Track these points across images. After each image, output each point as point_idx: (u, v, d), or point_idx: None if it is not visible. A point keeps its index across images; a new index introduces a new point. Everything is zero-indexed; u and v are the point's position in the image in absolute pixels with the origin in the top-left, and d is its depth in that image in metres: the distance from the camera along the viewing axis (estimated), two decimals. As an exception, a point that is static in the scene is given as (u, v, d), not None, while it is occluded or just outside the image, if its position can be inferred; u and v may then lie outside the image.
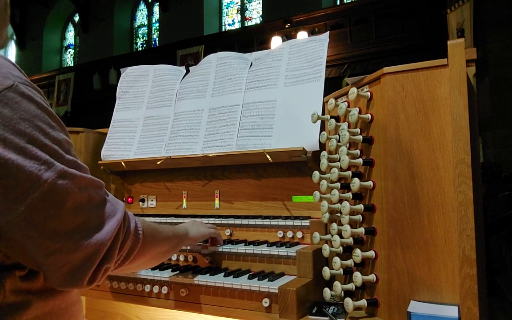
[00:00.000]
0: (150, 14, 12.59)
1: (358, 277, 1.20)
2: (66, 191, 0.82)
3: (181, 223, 1.76)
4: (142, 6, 12.81)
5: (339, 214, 1.31)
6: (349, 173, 1.30)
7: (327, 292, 1.26)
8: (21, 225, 0.79)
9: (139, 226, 1.01)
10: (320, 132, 1.46)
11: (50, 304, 0.89)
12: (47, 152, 0.81)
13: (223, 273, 1.41)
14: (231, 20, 11.30)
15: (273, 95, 1.76)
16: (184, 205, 1.96)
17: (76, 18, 13.47)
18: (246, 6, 11.15)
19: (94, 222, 0.87)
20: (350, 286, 1.23)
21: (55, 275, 0.85)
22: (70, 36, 14.08)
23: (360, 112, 1.30)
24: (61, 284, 0.86)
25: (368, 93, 1.30)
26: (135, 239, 0.99)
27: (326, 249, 1.30)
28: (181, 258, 1.59)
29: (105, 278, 1.58)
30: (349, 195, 1.29)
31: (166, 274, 1.47)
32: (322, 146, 1.46)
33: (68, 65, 13.78)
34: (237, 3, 11.27)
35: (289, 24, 8.58)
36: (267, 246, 1.47)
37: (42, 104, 0.85)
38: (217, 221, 1.68)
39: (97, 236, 0.87)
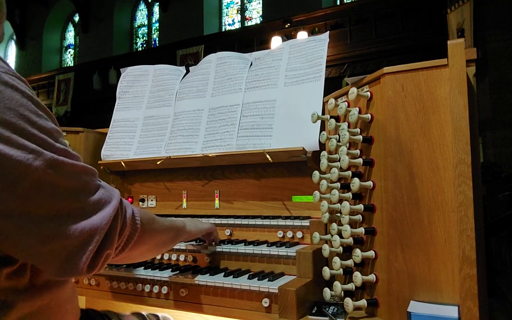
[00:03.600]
0: (150, 14, 12.58)
1: (358, 277, 1.20)
2: (57, 179, 0.81)
3: (181, 223, 1.77)
4: (142, 6, 12.80)
5: (339, 214, 1.31)
6: (349, 173, 1.30)
7: (327, 292, 1.26)
8: (13, 214, 0.77)
9: (136, 213, 1.01)
10: (320, 132, 1.46)
11: (38, 303, 0.87)
12: (34, 141, 0.80)
13: (223, 273, 1.41)
14: (231, 20, 11.29)
15: (273, 95, 1.76)
16: (184, 205, 1.96)
17: (76, 18, 13.46)
18: (246, 6, 11.15)
19: (90, 208, 0.86)
20: (350, 286, 1.23)
21: (53, 264, 0.83)
22: (70, 36, 14.07)
23: (360, 112, 1.30)
24: (61, 273, 0.84)
25: (368, 93, 1.30)
26: (133, 226, 0.98)
27: (326, 249, 1.30)
28: (181, 258, 1.59)
29: (105, 279, 1.59)
30: (349, 195, 1.29)
31: (166, 274, 1.47)
32: (322, 146, 1.46)
33: (68, 65, 13.77)
34: (237, 3, 11.27)
35: (289, 24, 8.58)
36: (267, 246, 1.47)
37: (27, 93, 0.83)
38: (217, 221, 1.68)
39: (93, 220, 0.85)
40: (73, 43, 14.00)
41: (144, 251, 1.10)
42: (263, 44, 8.62)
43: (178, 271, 1.48)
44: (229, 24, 11.28)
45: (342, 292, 1.22)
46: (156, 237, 1.14)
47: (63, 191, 0.82)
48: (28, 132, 0.79)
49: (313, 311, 1.24)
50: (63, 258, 0.83)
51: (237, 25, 11.13)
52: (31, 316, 0.86)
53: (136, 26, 12.86)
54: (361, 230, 1.26)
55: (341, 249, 1.27)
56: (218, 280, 1.36)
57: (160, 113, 2.08)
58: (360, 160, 1.27)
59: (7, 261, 0.83)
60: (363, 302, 1.20)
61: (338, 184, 1.32)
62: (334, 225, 1.29)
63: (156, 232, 1.14)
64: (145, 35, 12.68)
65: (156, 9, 12.36)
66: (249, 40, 9.22)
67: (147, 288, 1.50)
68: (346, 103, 1.35)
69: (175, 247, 1.61)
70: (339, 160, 1.30)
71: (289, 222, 1.54)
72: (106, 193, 0.91)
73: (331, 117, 1.39)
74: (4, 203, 0.76)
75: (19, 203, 0.77)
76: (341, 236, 1.26)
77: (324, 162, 1.36)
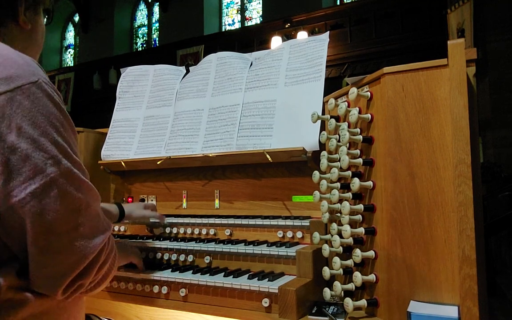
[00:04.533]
0: (150, 14, 12.59)
1: (358, 277, 1.20)
2: (66, 189, 0.85)
3: (181, 223, 1.77)
4: (142, 6, 12.80)
5: (339, 214, 1.31)
6: (349, 173, 1.30)
7: (327, 292, 1.26)
8: (19, 213, 0.81)
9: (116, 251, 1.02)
10: (320, 132, 1.46)
11: (48, 303, 0.89)
12: (57, 147, 0.85)
13: (223, 273, 1.41)
14: (231, 20, 11.30)
15: (273, 95, 1.76)
16: (184, 205, 1.96)
17: (76, 18, 13.46)
18: (246, 6, 11.15)
19: (85, 231, 0.89)
20: (350, 286, 1.23)
21: (38, 274, 0.85)
22: (70, 36, 14.07)
23: (360, 112, 1.30)
24: (40, 286, 0.87)
25: (368, 93, 1.30)
26: (112, 262, 1.00)
27: (326, 249, 1.30)
28: (181, 258, 1.59)
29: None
30: (349, 195, 1.29)
31: (166, 274, 1.47)
32: (322, 146, 1.46)
33: (68, 65, 13.77)
34: (237, 3, 11.27)
35: (289, 24, 8.58)
36: (267, 246, 1.47)
37: (60, 105, 0.91)
38: (217, 221, 1.68)
39: (84, 244, 0.88)
40: (73, 43, 14.00)
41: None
42: (263, 44, 8.62)
43: (178, 271, 1.48)
44: (229, 24, 11.29)
45: (342, 292, 1.22)
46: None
47: (67, 204, 0.85)
48: (52, 138, 0.86)
49: (313, 311, 1.24)
50: (47, 273, 0.85)
51: (237, 25, 11.13)
52: (41, 315, 0.88)
53: (136, 26, 12.86)
54: (361, 230, 1.26)
55: (341, 249, 1.27)
56: (218, 280, 1.36)
57: (160, 113, 2.08)
58: (360, 160, 1.27)
59: (15, 260, 0.86)
60: (363, 302, 1.20)
61: (338, 184, 1.32)
62: (334, 225, 1.29)
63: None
64: (145, 35, 12.69)
65: (156, 9, 12.36)
66: (249, 40, 9.22)
67: (147, 288, 1.50)
68: (346, 103, 1.35)
69: (175, 246, 1.62)
70: (339, 160, 1.30)
71: (289, 222, 1.54)
72: (101, 223, 0.94)
73: (331, 117, 1.39)
74: (13, 199, 0.81)
75: (26, 202, 0.81)
76: (341, 236, 1.26)
77: (324, 162, 1.36)
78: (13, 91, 0.83)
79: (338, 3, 9.68)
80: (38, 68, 0.91)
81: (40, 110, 0.85)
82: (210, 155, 1.74)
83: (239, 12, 11.24)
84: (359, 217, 1.29)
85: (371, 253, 1.23)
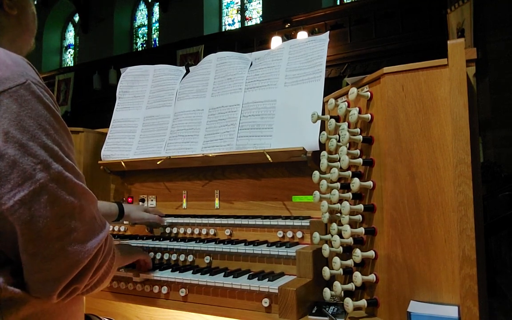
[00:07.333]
0: (150, 14, 12.59)
1: (358, 277, 1.20)
2: (57, 194, 0.83)
3: (181, 223, 1.77)
4: (142, 6, 12.81)
5: (339, 214, 1.31)
6: (349, 173, 1.30)
7: (327, 292, 1.26)
8: (9, 219, 0.79)
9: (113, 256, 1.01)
10: (320, 132, 1.46)
11: (48, 302, 0.89)
12: (46, 151, 0.82)
13: (223, 273, 1.41)
14: (231, 20, 11.30)
15: (273, 95, 1.76)
16: (184, 205, 1.96)
17: (76, 18, 13.46)
18: (246, 6, 11.15)
19: (79, 235, 0.87)
20: (350, 286, 1.23)
21: (31, 278, 0.84)
22: (70, 36, 14.07)
23: (360, 112, 1.30)
24: (34, 290, 0.85)
25: (368, 93, 1.30)
26: (109, 265, 0.99)
27: (326, 249, 1.30)
28: (181, 258, 1.59)
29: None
30: (349, 195, 1.29)
31: (166, 274, 1.47)
32: (322, 146, 1.46)
33: (68, 65, 13.76)
34: (237, 3, 11.27)
35: (289, 24, 8.58)
36: (267, 246, 1.47)
37: (50, 106, 0.87)
38: (217, 221, 1.68)
39: (78, 249, 0.86)
40: (73, 43, 14.00)
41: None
42: (263, 44, 8.62)
43: (178, 271, 1.48)
44: (229, 24, 11.29)
45: (342, 292, 1.22)
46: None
47: (59, 210, 0.83)
48: (42, 142, 0.82)
49: (313, 311, 1.24)
50: (41, 277, 0.84)
51: (237, 25, 11.13)
52: (42, 314, 0.88)
53: (136, 26, 12.86)
54: (361, 230, 1.26)
55: (341, 249, 1.27)
56: (218, 280, 1.36)
57: (160, 113, 2.08)
58: (360, 160, 1.27)
59: (10, 262, 0.85)
60: (363, 302, 1.20)
61: (338, 184, 1.32)
62: (334, 225, 1.29)
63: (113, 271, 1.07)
64: (145, 35, 12.68)
65: (156, 9, 12.36)
66: (249, 40, 9.22)
67: (147, 288, 1.50)
68: (346, 103, 1.35)
69: (175, 246, 1.62)
70: (339, 160, 1.30)
71: (289, 222, 1.54)
72: (97, 225, 0.92)
73: (331, 117, 1.39)
74: (2, 207, 0.79)
75: (15, 210, 0.79)
76: (341, 236, 1.26)
77: (324, 162, 1.36)
78: (0, 95, 0.80)
79: (338, 3, 9.68)
80: (27, 67, 0.87)
81: (28, 113, 0.82)
82: (210, 155, 1.74)
83: (239, 12, 11.24)
84: (359, 217, 1.29)
85: (371, 253, 1.23)
